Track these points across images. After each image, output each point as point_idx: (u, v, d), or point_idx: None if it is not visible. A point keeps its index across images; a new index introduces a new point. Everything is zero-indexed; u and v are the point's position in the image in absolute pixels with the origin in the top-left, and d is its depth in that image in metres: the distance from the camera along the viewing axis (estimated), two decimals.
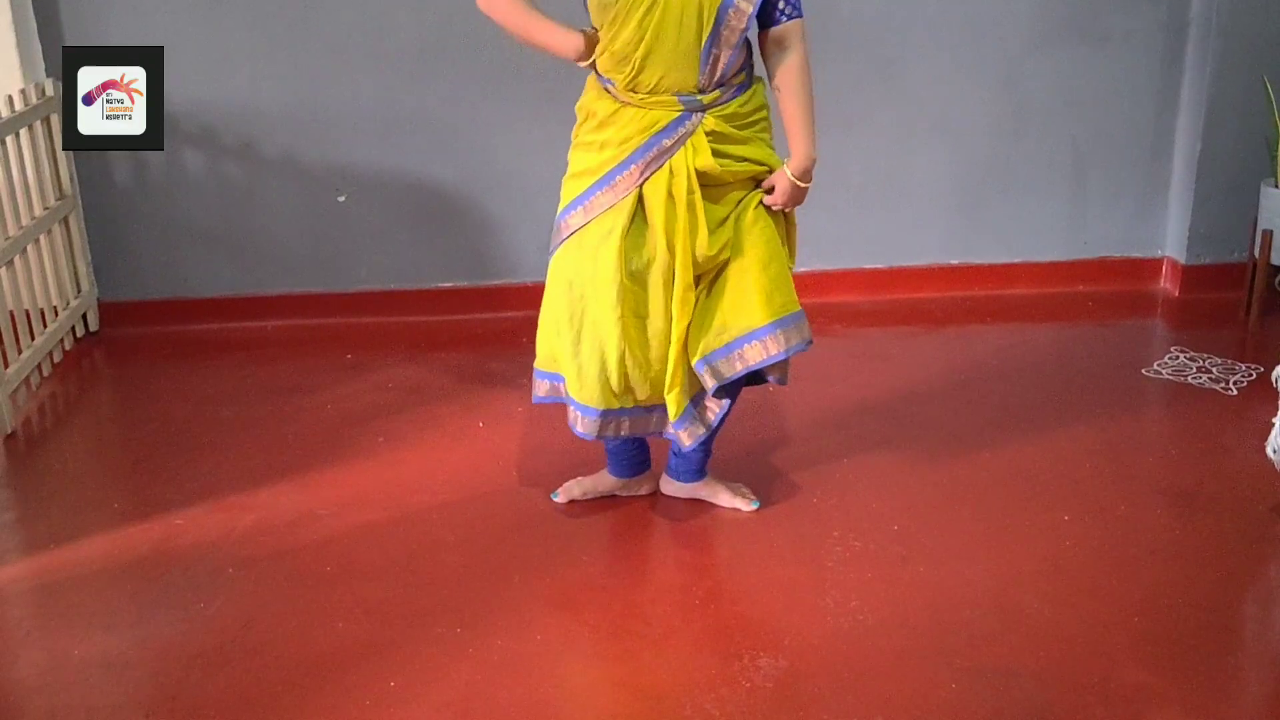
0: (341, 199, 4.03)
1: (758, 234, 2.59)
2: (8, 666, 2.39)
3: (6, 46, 3.71)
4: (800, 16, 2.50)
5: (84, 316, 3.99)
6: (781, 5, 2.48)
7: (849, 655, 2.34)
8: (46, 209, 3.72)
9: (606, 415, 2.64)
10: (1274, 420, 2.82)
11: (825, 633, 2.41)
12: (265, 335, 4.02)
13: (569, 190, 2.62)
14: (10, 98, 3.51)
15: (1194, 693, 2.22)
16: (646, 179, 2.53)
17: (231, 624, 2.47)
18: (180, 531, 2.83)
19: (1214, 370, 3.58)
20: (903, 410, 3.38)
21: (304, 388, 3.61)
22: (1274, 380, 2.86)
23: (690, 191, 2.52)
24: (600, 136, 2.56)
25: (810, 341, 2.66)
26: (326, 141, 3.96)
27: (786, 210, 2.66)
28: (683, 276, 2.55)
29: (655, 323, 2.60)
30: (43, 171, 3.71)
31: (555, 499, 2.90)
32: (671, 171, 2.52)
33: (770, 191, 2.60)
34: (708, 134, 2.52)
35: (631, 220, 2.55)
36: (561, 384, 2.70)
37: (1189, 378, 3.54)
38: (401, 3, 3.86)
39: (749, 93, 2.58)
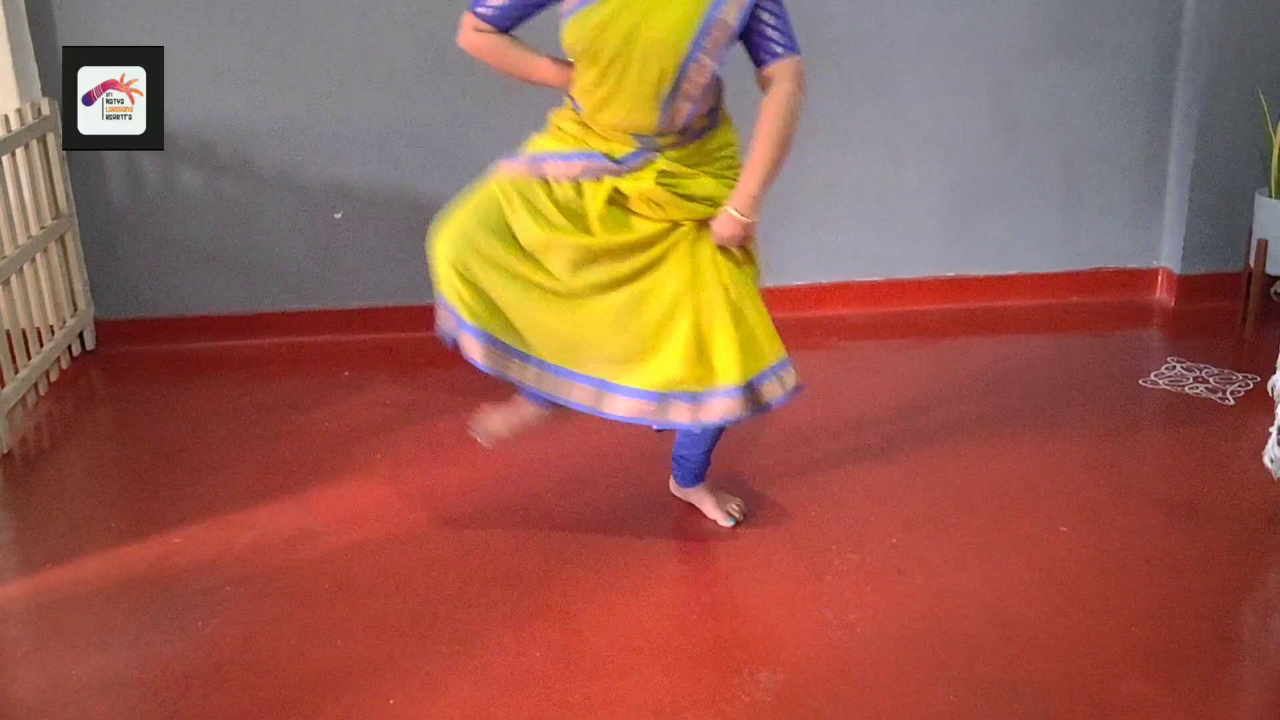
0: (338, 216, 4.04)
1: (717, 284, 2.55)
2: (6, 686, 2.39)
3: (3, 65, 3.72)
4: (790, 55, 2.45)
5: (81, 335, 3.99)
6: (767, 45, 2.45)
7: (848, 668, 2.34)
8: (43, 228, 3.72)
9: (493, 342, 2.58)
10: (1271, 430, 2.83)
11: (824, 646, 2.41)
12: (263, 353, 4.02)
13: (529, 145, 2.65)
14: (6, 117, 3.51)
15: (1193, 703, 2.22)
16: (583, 180, 2.55)
17: (229, 642, 2.47)
18: (178, 550, 2.82)
19: (1211, 380, 3.59)
20: (899, 423, 3.38)
21: (302, 405, 3.61)
22: (1270, 390, 2.86)
23: (612, 201, 2.54)
24: (560, 142, 2.61)
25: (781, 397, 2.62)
26: (323, 158, 3.97)
27: (743, 248, 2.61)
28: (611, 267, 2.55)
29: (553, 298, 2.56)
30: (39, 190, 3.72)
31: (477, 436, 2.87)
32: (610, 185, 2.54)
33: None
34: (659, 173, 2.52)
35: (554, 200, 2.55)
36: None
37: (1186, 388, 3.55)
38: (398, 20, 3.87)
39: (711, 135, 2.58)
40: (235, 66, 3.87)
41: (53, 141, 3.75)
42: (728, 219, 2.52)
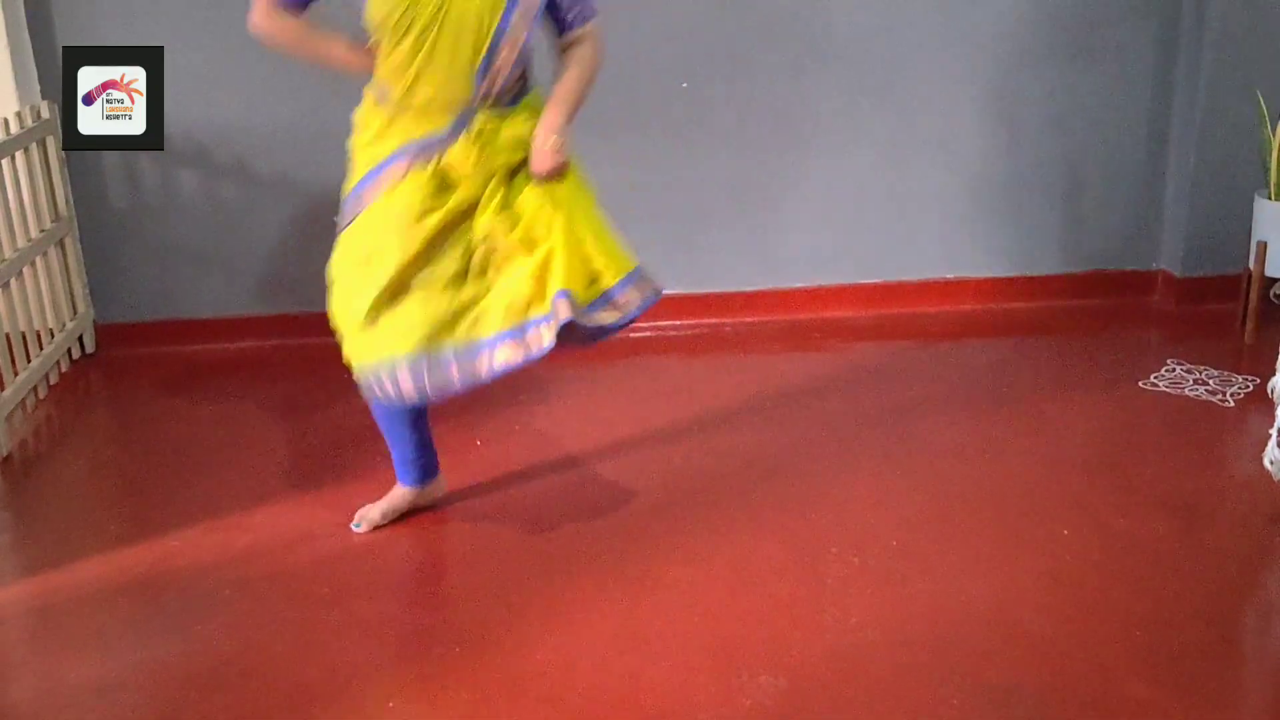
0: (337, 218, 4.03)
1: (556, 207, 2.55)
2: (4, 690, 2.38)
3: (2, 69, 3.72)
4: (591, 19, 2.55)
5: (80, 338, 3.98)
6: (568, 15, 2.53)
7: (849, 672, 2.33)
8: (43, 231, 3.72)
9: (421, 361, 2.54)
10: (1271, 431, 2.82)
11: (825, 650, 2.40)
12: (262, 355, 4.02)
13: (348, 188, 2.65)
14: (5, 120, 3.51)
15: (1195, 706, 2.21)
16: (411, 172, 2.55)
17: (228, 646, 2.46)
18: (177, 553, 2.82)
19: (1211, 382, 3.58)
20: (899, 425, 3.38)
21: (300, 408, 3.60)
22: (1270, 391, 2.86)
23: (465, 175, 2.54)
24: (376, 149, 2.60)
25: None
26: (321, 161, 3.94)
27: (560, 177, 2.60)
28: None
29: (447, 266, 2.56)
30: (39, 194, 3.72)
31: (357, 530, 2.86)
32: (440, 158, 2.54)
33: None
34: (476, 133, 2.52)
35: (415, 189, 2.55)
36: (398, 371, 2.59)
37: (1186, 390, 3.54)
38: None
39: (525, 100, 2.60)
40: (235, 68, 3.86)
41: (52, 145, 3.75)
42: (539, 153, 2.53)
